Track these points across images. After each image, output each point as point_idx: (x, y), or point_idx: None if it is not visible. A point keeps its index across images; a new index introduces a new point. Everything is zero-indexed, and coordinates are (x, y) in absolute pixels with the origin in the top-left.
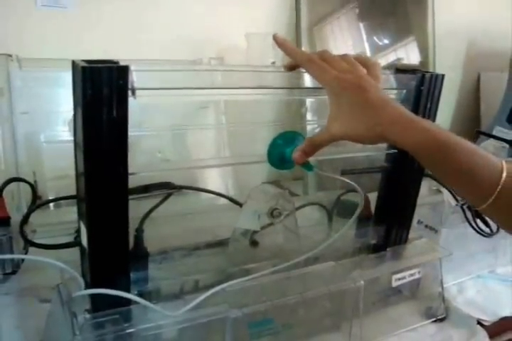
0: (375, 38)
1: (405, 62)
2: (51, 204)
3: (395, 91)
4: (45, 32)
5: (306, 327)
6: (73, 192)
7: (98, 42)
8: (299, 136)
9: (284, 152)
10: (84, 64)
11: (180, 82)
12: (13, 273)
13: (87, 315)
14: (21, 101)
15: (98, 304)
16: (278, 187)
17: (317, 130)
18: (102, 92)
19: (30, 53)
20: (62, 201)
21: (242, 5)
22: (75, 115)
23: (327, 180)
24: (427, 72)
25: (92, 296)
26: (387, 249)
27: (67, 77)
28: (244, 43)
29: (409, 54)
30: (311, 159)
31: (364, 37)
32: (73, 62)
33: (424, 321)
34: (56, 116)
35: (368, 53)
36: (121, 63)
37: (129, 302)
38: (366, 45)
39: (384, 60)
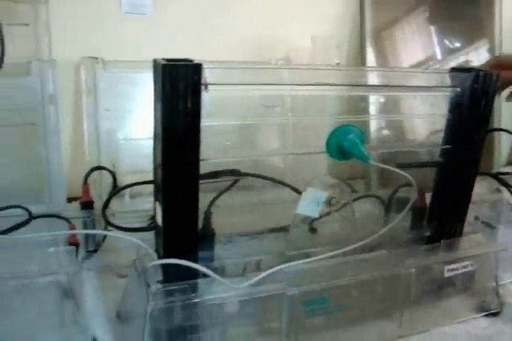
0: (445, 41)
1: (475, 64)
2: (127, 195)
3: (450, 90)
4: (126, 36)
5: (358, 311)
6: (146, 187)
7: (172, 44)
8: (355, 129)
9: (342, 144)
10: (164, 62)
11: (247, 78)
12: (95, 251)
13: (159, 285)
14: (105, 100)
15: (169, 276)
16: (337, 178)
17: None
18: (179, 87)
19: (113, 56)
20: (136, 193)
21: (307, 8)
22: (154, 108)
23: (389, 178)
24: (482, 70)
25: (164, 269)
26: (441, 241)
27: (145, 78)
28: (310, 45)
29: (480, 56)
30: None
31: (435, 40)
32: (154, 61)
33: (477, 314)
34: (133, 114)
35: (439, 56)
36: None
37: (196, 276)
38: (437, 49)
39: (455, 63)
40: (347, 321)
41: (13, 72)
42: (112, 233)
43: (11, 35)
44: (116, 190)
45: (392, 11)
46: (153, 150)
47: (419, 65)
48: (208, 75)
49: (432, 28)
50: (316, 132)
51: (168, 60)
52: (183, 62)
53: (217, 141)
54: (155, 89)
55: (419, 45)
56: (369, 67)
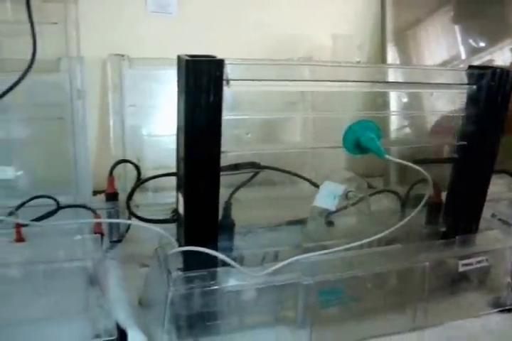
0: (470, 41)
1: (500, 64)
2: (150, 188)
3: (466, 87)
4: (151, 34)
5: (372, 303)
6: (169, 182)
7: (196, 42)
8: (372, 124)
9: (359, 138)
10: (187, 58)
11: (268, 74)
12: (119, 241)
13: (180, 272)
14: (130, 96)
15: (189, 264)
16: (354, 173)
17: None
18: (202, 82)
19: (138, 53)
20: (159, 187)
21: (329, 7)
22: (178, 102)
23: (408, 176)
24: (498, 68)
25: (184, 257)
26: (456, 237)
27: (169, 75)
28: (331, 44)
29: (504, 56)
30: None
31: (459, 40)
32: (178, 57)
33: (491, 310)
34: (157, 110)
35: (463, 56)
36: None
37: (215, 264)
38: (461, 48)
39: (479, 62)
40: (361, 312)
41: (43, 68)
42: (136, 222)
43: (42, 33)
44: (140, 181)
45: (414, 10)
46: (176, 143)
47: (442, 64)
48: (229, 71)
49: (456, 28)
50: (335, 128)
51: (192, 56)
52: (205, 58)
53: (238, 135)
54: (178, 84)
55: (442, 45)
56: (386, 64)
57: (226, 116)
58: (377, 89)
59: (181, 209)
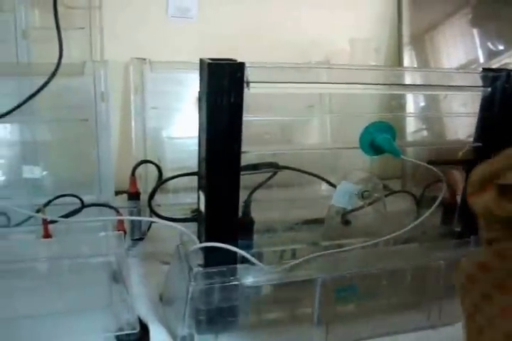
0: (489, 44)
1: None
2: (171, 189)
3: (481, 89)
4: (172, 38)
5: (387, 301)
6: (189, 183)
7: (216, 46)
8: (387, 125)
9: (374, 139)
10: (209, 61)
11: (287, 77)
12: (140, 239)
13: (200, 268)
14: (151, 99)
15: (209, 261)
16: (370, 173)
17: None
18: (223, 84)
19: (160, 57)
20: (180, 188)
21: (346, 11)
22: (199, 103)
23: (424, 177)
24: None
25: (205, 254)
26: (471, 237)
27: (190, 78)
28: (349, 48)
29: None
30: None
31: (477, 43)
32: (201, 60)
33: None
34: (178, 113)
35: (481, 59)
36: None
37: (234, 261)
38: (479, 52)
39: (497, 66)
40: (376, 310)
41: (68, 72)
42: (158, 220)
43: (67, 38)
44: (162, 180)
45: (431, 13)
46: (198, 143)
47: (460, 68)
48: (250, 74)
49: (474, 31)
50: (352, 129)
51: (214, 60)
52: (227, 61)
53: (257, 136)
54: (201, 86)
55: (459, 48)
56: (403, 67)
57: (246, 117)
58: (393, 92)
59: (203, 208)
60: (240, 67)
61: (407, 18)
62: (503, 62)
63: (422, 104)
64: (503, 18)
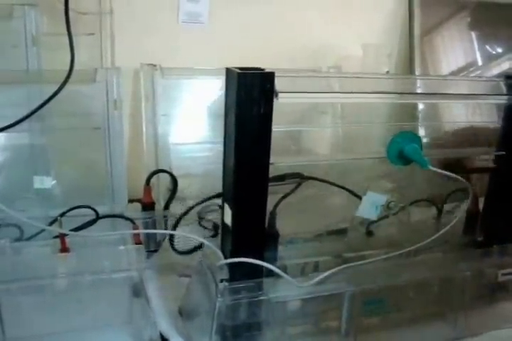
0: (487, 47)
1: None
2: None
3: (505, 97)
4: (183, 44)
5: (413, 312)
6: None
7: (226, 53)
8: (415, 135)
9: (402, 149)
10: (238, 71)
11: (311, 87)
12: (155, 251)
13: (227, 283)
14: (162, 105)
15: (235, 275)
16: (394, 183)
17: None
18: (253, 94)
19: (170, 63)
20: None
21: (358, 17)
22: (226, 113)
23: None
24: None
25: (230, 268)
26: (494, 246)
27: (200, 84)
28: (360, 53)
29: None
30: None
31: (476, 46)
32: (228, 69)
33: None
34: (187, 119)
35: (480, 62)
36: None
37: (260, 275)
38: (478, 55)
39: (498, 69)
40: (402, 322)
41: (80, 79)
42: (179, 232)
43: (78, 44)
44: (186, 210)
45: (439, 16)
46: (223, 154)
47: (462, 70)
48: (278, 83)
49: (473, 34)
50: (368, 137)
51: (242, 69)
52: (256, 71)
53: (283, 146)
54: (227, 96)
55: (461, 51)
56: (420, 75)
57: (276, 127)
58: (406, 100)
59: (228, 220)
60: (270, 76)
61: (418, 22)
62: (503, 65)
63: (435, 111)
64: (501, 21)
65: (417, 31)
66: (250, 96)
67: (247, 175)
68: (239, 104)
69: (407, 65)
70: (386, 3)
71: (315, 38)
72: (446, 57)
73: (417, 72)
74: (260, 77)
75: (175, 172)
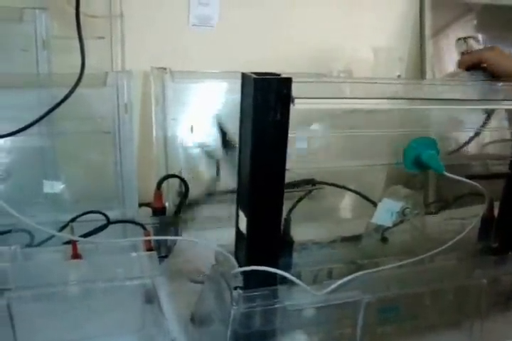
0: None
1: None
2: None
3: None
4: (193, 47)
5: (429, 320)
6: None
7: (236, 56)
8: (432, 141)
9: (420, 155)
10: (255, 76)
11: (325, 92)
12: (166, 256)
13: (241, 291)
14: (172, 109)
15: (249, 282)
16: (410, 188)
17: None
18: (269, 100)
19: (180, 66)
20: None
21: (369, 20)
22: (241, 119)
23: (447, 189)
24: None
25: (245, 275)
26: (510, 253)
27: (210, 87)
28: (371, 56)
29: None
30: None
31: None
32: (243, 74)
33: None
34: (197, 123)
35: None
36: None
37: (274, 282)
38: None
39: None
40: (417, 330)
41: (90, 82)
42: (191, 238)
43: (88, 47)
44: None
45: (448, 19)
46: (238, 160)
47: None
48: (294, 89)
49: (480, 37)
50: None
51: (258, 74)
52: (273, 77)
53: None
54: (243, 101)
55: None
56: (437, 79)
57: (291, 133)
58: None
59: (243, 227)
60: (287, 82)
61: (428, 24)
62: None
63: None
64: (507, 24)
65: (428, 34)
66: (267, 102)
67: (264, 182)
68: (255, 110)
69: (418, 68)
70: (396, 6)
71: (326, 41)
72: (452, 61)
73: (428, 75)
74: (277, 83)
75: (185, 176)
